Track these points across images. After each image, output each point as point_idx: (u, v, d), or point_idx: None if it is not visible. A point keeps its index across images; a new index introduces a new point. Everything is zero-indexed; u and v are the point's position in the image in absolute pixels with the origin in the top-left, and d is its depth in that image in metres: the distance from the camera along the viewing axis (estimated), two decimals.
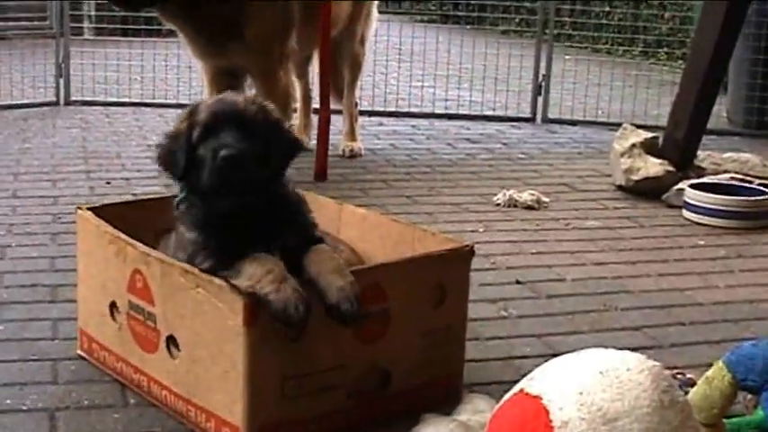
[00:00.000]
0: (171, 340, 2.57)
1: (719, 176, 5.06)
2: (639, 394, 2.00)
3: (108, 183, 5.05)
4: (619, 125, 5.64)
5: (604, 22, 9.60)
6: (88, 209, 2.93)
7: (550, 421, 1.98)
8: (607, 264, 4.04)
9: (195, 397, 2.51)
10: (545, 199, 4.93)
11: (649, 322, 3.41)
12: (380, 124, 6.92)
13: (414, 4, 13.51)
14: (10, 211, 4.47)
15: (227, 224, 2.46)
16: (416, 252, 2.80)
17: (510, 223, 4.59)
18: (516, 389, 2.13)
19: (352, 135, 5.99)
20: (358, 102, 6.20)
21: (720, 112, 7.06)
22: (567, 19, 10.41)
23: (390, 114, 7.22)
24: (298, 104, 5.87)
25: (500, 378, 2.85)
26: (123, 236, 2.72)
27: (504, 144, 6.44)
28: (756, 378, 2.49)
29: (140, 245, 2.67)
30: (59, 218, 4.35)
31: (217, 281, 2.39)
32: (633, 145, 5.24)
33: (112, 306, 2.76)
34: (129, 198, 4.43)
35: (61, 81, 7.17)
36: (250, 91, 5.12)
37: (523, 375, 2.18)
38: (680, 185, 4.95)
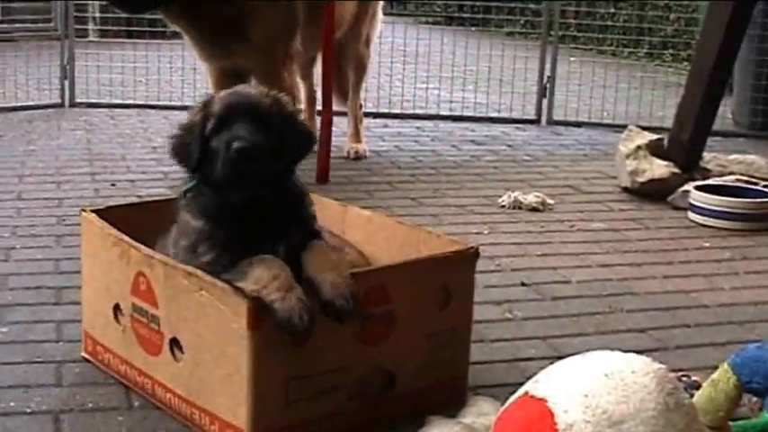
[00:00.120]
0: (174, 343, 2.56)
1: (725, 178, 5.05)
2: (645, 397, 1.99)
3: (113, 185, 5.05)
4: (624, 127, 5.64)
5: (609, 23, 9.58)
6: (92, 211, 2.92)
7: (555, 424, 1.98)
8: (612, 266, 4.04)
9: (199, 400, 2.51)
10: (550, 201, 4.92)
11: (654, 324, 3.40)
12: (385, 126, 6.92)
13: (419, 6, 13.51)
14: (15, 213, 4.47)
15: (238, 216, 2.45)
16: (421, 254, 2.80)
17: (515, 225, 4.58)
18: (521, 391, 2.13)
19: (356, 137, 5.99)
20: (363, 103, 6.20)
21: (726, 114, 7.06)
22: (572, 20, 10.38)
23: (395, 116, 7.22)
24: (302, 106, 5.86)
25: (505, 380, 2.84)
26: (127, 238, 2.71)
27: (509, 146, 6.44)
28: (761, 381, 2.48)
29: (144, 247, 2.66)
30: (64, 220, 4.35)
31: (220, 283, 2.38)
32: (638, 147, 5.23)
33: (116, 308, 2.76)
34: (134, 200, 4.44)
35: (66, 83, 7.18)
36: None
37: (528, 378, 2.17)
38: (685, 187, 4.94)
